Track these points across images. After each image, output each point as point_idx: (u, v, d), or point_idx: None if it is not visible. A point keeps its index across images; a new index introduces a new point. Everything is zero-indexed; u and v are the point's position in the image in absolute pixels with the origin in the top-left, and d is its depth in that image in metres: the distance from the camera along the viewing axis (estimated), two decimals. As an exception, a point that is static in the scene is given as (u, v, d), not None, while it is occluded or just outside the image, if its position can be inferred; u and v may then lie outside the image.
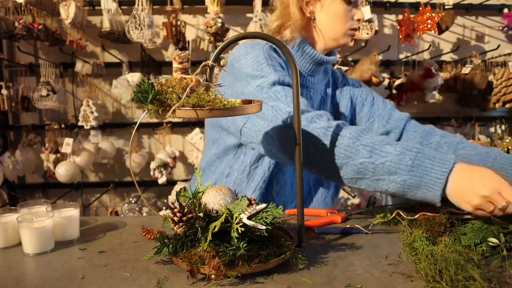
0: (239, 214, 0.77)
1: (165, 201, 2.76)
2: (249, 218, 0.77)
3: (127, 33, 2.36)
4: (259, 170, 1.21)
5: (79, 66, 2.49)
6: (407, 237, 0.87)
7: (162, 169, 2.51)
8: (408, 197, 0.96)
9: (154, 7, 2.50)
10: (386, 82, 2.65)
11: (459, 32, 2.84)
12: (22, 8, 2.31)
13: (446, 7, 2.53)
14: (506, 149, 2.49)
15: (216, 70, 0.86)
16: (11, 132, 2.69)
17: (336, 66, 2.42)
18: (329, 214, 1.10)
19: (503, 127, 2.89)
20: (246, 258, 0.75)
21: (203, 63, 0.83)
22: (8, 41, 2.61)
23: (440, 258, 0.70)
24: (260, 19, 2.39)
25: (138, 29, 2.33)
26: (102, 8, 2.40)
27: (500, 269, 0.76)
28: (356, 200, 2.70)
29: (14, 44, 2.56)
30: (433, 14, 2.41)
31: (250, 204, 0.81)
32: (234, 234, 0.75)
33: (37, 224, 0.89)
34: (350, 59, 2.62)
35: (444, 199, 1.07)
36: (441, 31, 2.48)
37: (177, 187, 2.62)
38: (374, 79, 2.49)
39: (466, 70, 2.52)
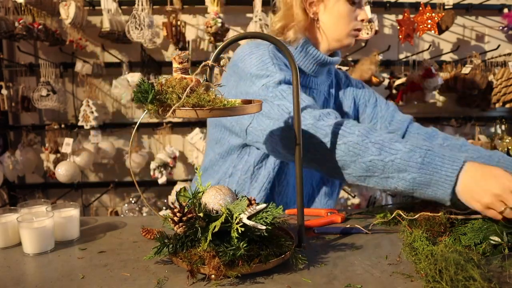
0: (239, 214, 0.77)
1: (165, 201, 2.76)
2: (249, 218, 0.77)
3: (127, 33, 2.36)
4: (264, 171, 1.20)
5: (79, 66, 2.49)
6: (407, 237, 0.87)
7: (162, 169, 2.51)
8: (417, 195, 0.95)
9: (154, 7, 2.50)
10: (386, 82, 2.65)
11: (459, 32, 2.84)
12: (22, 8, 2.31)
13: (446, 7, 2.53)
14: (506, 149, 2.49)
15: (216, 70, 0.86)
16: (11, 132, 2.69)
17: (336, 66, 2.42)
18: (329, 214, 1.10)
19: (503, 127, 2.89)
20: (246, 258, 0.75)
21: (203, 63, 0.83)
22: (8, 41, 2.61)
23: (440, 258, 0.70)
24: (260, 19, 2.39)
25: (138, 29, 2.33)
26: (102, 8, 2.40)
27: (500, 269, 0.76)
28: (356, 200, 2.70)
29: (14, 44, 2.56)
30: (433, 14, 2.41)
31: (250, 204, 0.81)
32: (234, 234, 0.75)
33: (37, 224, 0.89)
34: (350, 59, 2.62)
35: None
36: (441, 31, 2.48)
37: (177, 187, 2.62)
38: (374, 79, 2.49)
39: (466, 70, 2.52)
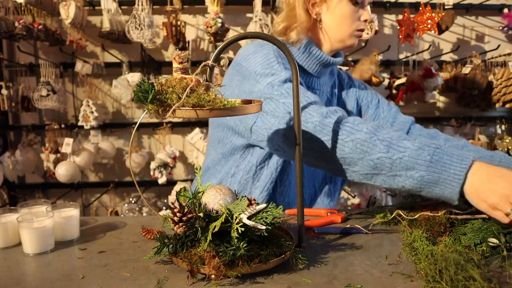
0: (239, 214, 0.77)
1: (165, 201, 2.76)
2: (249, 218, 0.78)
3: (127, 33, 2.36)
4: (266, 171, 1.20)
5: (79, 66, 2.49)
6: (407, 237, 0.87)
7: (162, 169, 2.52)
8: (424, 194, 0.94)
9: (154, 7, 2.50)
10: (386, 82, 2.65)
11: (459, 32, 2.84)
12: (22, 8, 2.31)
13: (446, 7, 2.53)
14: (506, 149, 2.49)
15: (216, 70, 0.86)
16: (11, 132, 2.69)
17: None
18: (329, 214, 1.10)
19: (503, 127, 2.89)
20: (246, 258, 0.75)
21: (203, 63, 0.83)
22: (8, 41, 2.61)
23: (440, 258, 0.70)
24: (260, 19, 2.39)
25: (138, 29, 2.33)
26: (102, 8, 2.40)
27: (500, 269, 0.76)
28: (356, 200, 2.70)
29: (14, 44, 2.56)
30: (433, 14, 2.41)
31: (250, 204, 0.81)
32: (234, 234, 0.75)
33: (37, 224, 0.89)
34: (350, 59, 2.62)
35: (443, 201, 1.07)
36: (441, 31, 2.48)
37: (177, 187, 2.62)
38: (374, 79, 2.49)
39: (466, 70, 2.52)
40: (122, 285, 0.74)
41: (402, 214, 1.00)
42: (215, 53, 0.86)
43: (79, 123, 2.51)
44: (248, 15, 2.64)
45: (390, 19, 2.78)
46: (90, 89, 2.66)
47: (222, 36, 2.36)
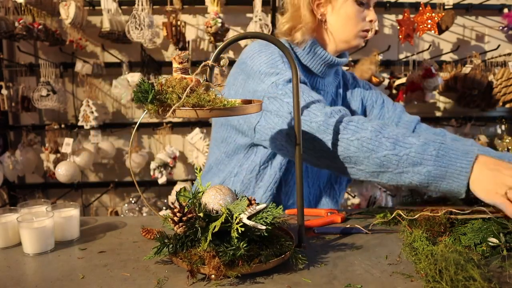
0: (239, 214, 0.77)
1: (165, 201, 2.76)
2: (249, 218, 0.77)
3: (127, 33, 2.36)
4: (270, 171, 1.20)
5: (79, 66, 2.49)
6: (407, 237, 0.87)
7: (162, 169, 2.52)
8: (432, 189, 0.95)
9: (154, 7, 2.50)
10: (386, 82, 2.65)
11: (459, 32, 2.84)
12: (22, 8, 2.31)
13: (446, 7, 2.53)
14: (506, 149, 2.49)
15: (216, 70, 0.86)
16: (11, 132, 2.69)
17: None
18: (329, 214, 1.10)
19: (503, 127, 2.89)
20: (246, 258, 0.75)
21: (203, 63, 0.83)
22: (8, 41, 2.61)
23: (440, 258, 0.70)
24: (260, 19, 2.40)
25: (138, 29, 2.33)
26: (102, 8, 2.40)
27: (500, 269, 0.76)
28: (356, 200, 2.70)
29: (14, 44, 2.56)
30: (433, 14, 2.41)
31: (250, 204, 0.81)
32: (234, 234, 0.75)
33: (37, 224, 0.89)
34: (350, 59, 2.62)
35: (443, 198, 1.07)
36: (441, 31, 2.48)
37: (177, 187, 2.62)
38: (374, 79, 2.49)
39: (466, 70, 2.52)
40: (122, 285, 0.74)
41: (402, 214, 1.00)
42: (215, 53, 0.86)
43: (79, 123, 2.51)
44: (248, 15, 2.64)
45: (390, 19, 2.78)
46: (90, 89, 2.66)
47: (222, 36, 2.36)
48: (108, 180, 2.78)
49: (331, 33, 1.22)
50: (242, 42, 2.51)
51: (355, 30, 1.20)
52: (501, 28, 2.57)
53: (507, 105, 2.47)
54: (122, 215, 2.68)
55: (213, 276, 0.74)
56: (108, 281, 0.76)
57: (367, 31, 1.22)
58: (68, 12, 2.32)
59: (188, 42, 2.54)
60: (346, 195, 2.71)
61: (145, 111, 0.79)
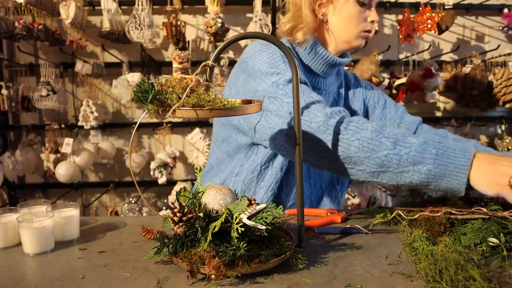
0: (239, 214, 0.77)
1: (165, 201, 2.76)
2: (249, 218, 0.77)
3: (127, 33, 2.36)
4: (271, 171, 1.20)
5: (79, 66, 2.49)
6: (407, 237, 0.87)
7: (162, 169, 2.52)
8: (432, 188, 0.95)
9: (154, 7, 2.50)
10: (386, 82, 2.65)
11: (459, 32, 2.84)
12: (22, 8, 2.31)
13: (446, 7, 2.53)
14: (506, 149, 2.49)
15: (216, 70, 0.86)
16: (11, 132, 2.69)
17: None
18: (329, 214, 1.10)
19: (503, 127, 2.89)
20: (246, 258, 0.75)
21: (203, 63, 0.83)
22: (8, 41, 2.61)
23: (440, 258, 0.70)
24: (260, 19, 2.40)
25: (138, 29, 2.33)
26: (102, 8, 2.40)
27: (500, 269, 0.76)
28: (356, 200, 2.70)
29: (14, 44, 2.56)
30: (433, 14, 2.41)
31: (250, 204, 0.81)
32: (234, 234, 0.75)
33: (37, 224, 0.89)
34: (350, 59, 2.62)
35: (443, 198, 1.07)
36: (441, 31, 2.48)
37: (177, 187, 2.62)
38: (374, 79, 2.49)
39: (466, 70, 2.52)
40: (122, 285, 0.74)
41: (402, 214, 1.00)
42: (215, 53, 0.86)
43: (79, 123, 2.51)
44: (248, 15, 2.64)
45: (390, 19, 2.78)
46: (90, 89, 2.66)
47: (222, 36, 2.36)
48: (108, 180, 2.78)
49: (332, 33, 1.22)
50: (242, 42, 2.51)
51: (357, 31, 1.19)
52: (501, 28, 2.57)
53: (507, 105, 2.47)
54: (122, 215, 2.68)
55: (213, 276, 0.74)
56: (108, 281, 0.76)
57: (368, 31, 1.22)
58: (68, 12, 2.32)
59: (188, 42, 2.54)
60: (346, 195, 2.71)
61: (145, 111, 0.79)
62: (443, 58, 2.80)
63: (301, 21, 1.19)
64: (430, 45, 2.73)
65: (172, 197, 2.57)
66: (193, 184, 2.67)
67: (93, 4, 2.54)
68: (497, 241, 0.83)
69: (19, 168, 2.47)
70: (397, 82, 2.60)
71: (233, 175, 1.24)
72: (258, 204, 0.81)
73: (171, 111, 0.75)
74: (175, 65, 0.80)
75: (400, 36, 2.48)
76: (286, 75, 1.07)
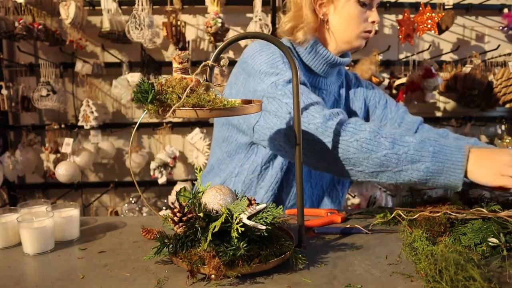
0: (239, 214, 0.77)
1: (165, 201, 2.76)
2: (249, 218, 0.77)
3: (127, 33, 2.36)
4: (271, 171, 1.20)
5: (79, 66, 2.49)
6: (407, 237, 0.87)
7: (162, 169, 2.52)
8: (430, 185, 0.97)
9: (154, 7, 2.50)
10: (386, 82, 2.65)
11: (459, 32, 2.84)
12: (22, 8, 2.31)
13: (446, 7, 2.53)
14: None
15: (216, 70, 0.86)
16: (11, 132, 2.69)
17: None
18: (329, 214, 1.10)
19: (503, 127, 2.89)
20: (246, 258, 0.75)
21: (203, 63, 0.83)
22: (8, 41, 2.61)
23: (440, 258, 0.70)
24: (260, 19, 2.40)
25: (138, 29, 2.33)
26: (102, 8, 2.40)
27: (500, 269, 0.76)
28: (356, 200, 2.70)
29: (14, 44, 2.56)
30: (433, 14, 2.41)
31: (250, 204, 0.81)
32: (234, 234, 0.75)
33: (37, 224, 0.89)
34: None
35: (443, 198, 1.07)
36: (441, 31, 2.48)
37: (177, 187, 2.62)
38: (374, 79, 2.49)
39: (466, 70, 2.52)
40: (122, 285, 0.74)
41: (402, 214, 1.00)
42: (215, 53, 0.86)
43: (79, 123, 2.51)
44: (248, 15, 2.64)
45: (390, 19, 2.78)
46: (90, 89, 2.66)
47: (222, 36, 2.36)
48: (108, 180, 2.78)
49: (332, 33, 1.21)
50: (242, 42, 2.51)
51: (357, 31, 1.19)
52: (501, 28, 2.57)
53: (507, 105, 2.47)
54: (122, 215, 2.68)
55: (213, 276, 0.74)
56: (108, 281, 0.76)
57: (369, 32, 1.22)
58: (68, 12, 2.32)
59: (188, 42, 2.54)
60: (346, 195, 2.71)
61: (145, 111, 0.79)
62: (443, 58, 2.80)
63: (302, 21, 1.18)
64: (430, 45, 2.73)
65: (172, 197, 2.57)
66: (193, 184, 2.67)
67: (93, 4, 2.54)
68: (497, 241, 0.83)
69: (19, 168, 2.47)
70: (397, 82, 2.60)
71: (233, 175, 1.24)
72: (258, 204, 0.81)
73: (171, 111, 0.75)
74: (175, 65, 0.80)
75: (400, 36, 2.48)
76: (285, 76, 1.07)
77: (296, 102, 0.85)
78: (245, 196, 0.84)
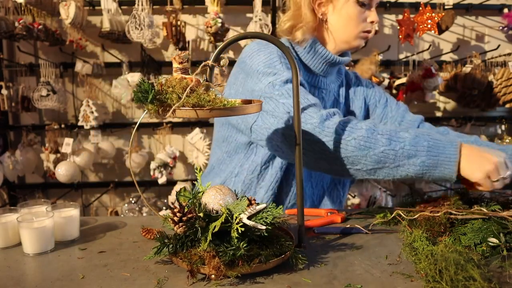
0: (239, 214, 0.77)
1: (165, 201, 2.76)
2: (249, 218, 0.78)
3: (127, 33, 2.36)
4: (271, 170, 1.20)
5: (79, 66, 2.49)
6: (407, 237, 0.87)
7: (162, 169, 2.51)
8: (425, 178, 0.99)
9: (154, 7, 2.50)
10: (386, 82, 2.65)
11: (459, 32, 2.84)
12: (22, 8, 2.31)
13: (446, 7, 2.53)
14: (506, 149, 2.48)
15: (216, 70, 0.86)
16: (11, 132, 2.69)
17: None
18: (329, 214, 1.10)
19: (503, 127, 2.89)
20: (246, 258, 0.75)
21: (203, 63, 0.83)
22: (8, 41, 2.61)
23: (440, 258, 0.70)
24: (260, 19, 2.39)
25: (138, 29, 2.33)
26: (102, 8, 2.40)
27: (500, 269, 0.76)
28: (356, 200, 2.70)
29: (14, 44, 2.56)
30: (433, 14, 2.41)
31: (250, 204, 0.81)
32: (234, 234, 0.75)
33: (37, 224, 0.89)
34: (350, 58, 2.62)
35: (443, 198, 1.07)
36: (441, 31, 2.48)
37: (177, 187, 2.62)
38: (374, 79, 2.49)
39: (466, 70, 2.52)
40: (122, 285, 0.74)
41: (402, 214, 1.00)
42: (215, 53, 0.86)
43: (79, 123, 2.51)
44: (248, 15, 2.64)
45: (390, 19, 2.78)
46: (90, 89, 2.66)
47: (222, 36, 2.36)
48: (108, 180, 2.78)
49: (331, 33, 1.21)
50: (242, 42, 2.50)
51: (356, 31, 1.19)
52: (501, 28, 2.57)
53: (507, 105, 2.47)
54: (122, 215, 2.68)
55: (213, 276, 0.74)
56: (108, 281, 0.76)
57: (368, 32, 1.22)
58: (68, 12, 2.32)
59: (188, 42, 2.54)
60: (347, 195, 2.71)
61: (145, 111, 0.79)
62: (443, 58, 2.80)
63: (301, 20, 1.18)
64: (430, 45, 2.72)
65: (172, 197, 2.57)
66: (193, 184, 2.67)
67: (93, 4, 2.53)
68: (497, 241, 0.83)
69: (19, 168, 2.47)
70: (397, 82, 2.60)
71: (233, 175, 1.24)
72: (258, 204, 0.81)
73: (171, 111, 0.75)
74: (175, 65, 0.80)
75: (400, 36, 2.48)
76: (283, 76, 1.08)
77: (296, 102, 0.85)
78: (245, 196, 0.84)
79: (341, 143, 0.99)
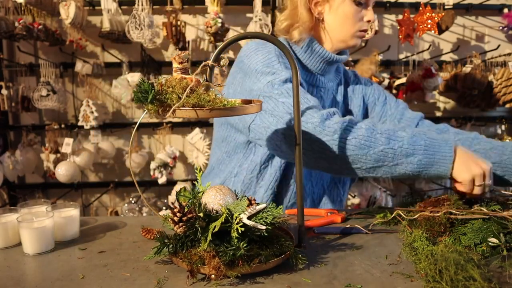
0: (239, 214, 0.77)
1: (165, 201, 2.76)
2: (249, 218, 0.77)
3: (127, 33, 2.36)
4: (270, 170, 1.20)
5: (79, 66, 2.49)
6: (407, 237, 0.87)
7: (162, 169, 2.51)
8: (422, 176, 1.01)
9: (154, 7, 2.50)
10: (386, 82, 2.65)
11: (459, 32, 2.84)
12: (22, 8, 2.31)
13: (446, 7, 2.53)
14: (506, 149, 2.48)
15: (216, 70, 0.86)
16: (11, 132, 2.69)
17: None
18: (329, 214, 1.10)
19: (503, 127, 2.89)
20: (246, 258, 0.75)
21: (203, 63, 0.83)
22: (8, 41, 2.61)
23: (440, 258, 0.70)
24: (260, 19, 2.39)
25: (138, 29, 2.33)
26: (102, 8, 2.40)
27: (500, 269, 0.76)
28: (356, 200, 2.70)
29: (14, 44, 2.56)
30: (433, 14, 2.41)
31: (250, 204, 0.81)
32: (234, 234, 0.75)
33: (37, 224, 0.89)
34: (350, 59, 2.62)
35: (443, 198, 1.07)
36: (441, 31, 2.48)
37: (177, 187, 2.62)
38: (374, 79, 2.49)
39: (466, 70, 2.52)
40: (122, 285, 0.74)
41: (402, 214, 1.00)
42: (215, 53, 0.86)
43: (79, 123, 2.51)
44: (248, 15, 2.64)
45: (390, 19, 2.78)
46: (90, 89, 2.66)
47: (222, 36, 2.36)
48: (108, 180, 2.78)
49: (328, 32, 1.22)
50: (242, 42, 2.50)
51: (352, 30, 1.19)
52: (501, 28, 2.57)
53: (507, 105, 2.47)
54: (122, 215, 2.68)
55: (213, 276, 0.74)
56: (108, 281, 0.76)
57: (364, 31, 1.22)
58: (68, 12, 2.32)
59: (188, 42, 2.54)
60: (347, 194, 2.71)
61: (145, 111, 0.79)
62: (443, 58, 2.80)
63: (297, 20, 1.19)
64: (430, 45, 2.72)
65: (172, 197, 2.57)
66: (193, 184, 2.67)
67: (93, 4, 2.53)
68: (497, 241, 0.83)
69: (19, 168, 2.47)
70: (397, 82, 2.60)
71: (233, 175, 1.24)
72: (258, 204, 0.81)
73: (171, 111, 0.75)
74: (175, 65, 0.80)
75: (400, 36, 2.47)
76: (281, 75, 1.08)
77: (296, 101, 0.85)
78: (245, 196, 0.84)
79: (342, 142, 0.99)
